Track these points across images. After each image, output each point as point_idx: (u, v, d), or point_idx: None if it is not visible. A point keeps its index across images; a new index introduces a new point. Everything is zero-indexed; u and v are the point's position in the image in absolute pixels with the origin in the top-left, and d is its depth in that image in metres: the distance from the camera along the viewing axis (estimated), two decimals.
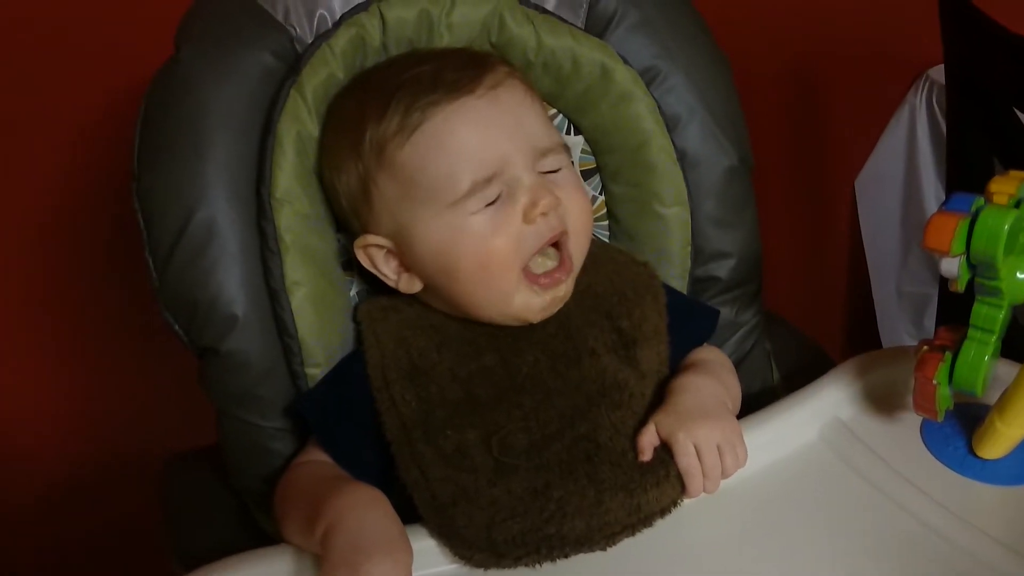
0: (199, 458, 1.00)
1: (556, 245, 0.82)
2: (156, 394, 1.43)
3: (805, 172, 1.89)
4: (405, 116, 0.79)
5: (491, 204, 0.79)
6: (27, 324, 1.37)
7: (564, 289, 0.83)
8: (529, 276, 0.81)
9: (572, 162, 0.94)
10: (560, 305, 0.83)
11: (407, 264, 0.83)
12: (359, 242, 0.84)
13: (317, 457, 0.83)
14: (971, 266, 0.70)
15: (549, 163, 0.82)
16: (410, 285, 0.84)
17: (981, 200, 0.70)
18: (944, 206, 0.70)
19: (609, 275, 0.88)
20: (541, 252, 0.81)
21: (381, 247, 0.83)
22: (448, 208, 0.79)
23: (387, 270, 0.84)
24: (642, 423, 0.79)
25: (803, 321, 1.16)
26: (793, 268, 1.89)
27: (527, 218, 0.79)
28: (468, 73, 0.80)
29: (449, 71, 0.81)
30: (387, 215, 0.82)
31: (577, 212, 0.83)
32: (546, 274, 0.81)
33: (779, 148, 1.80)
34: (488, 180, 0.79)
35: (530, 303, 0.81)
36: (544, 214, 0.79)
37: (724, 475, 0.76)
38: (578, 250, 0.84)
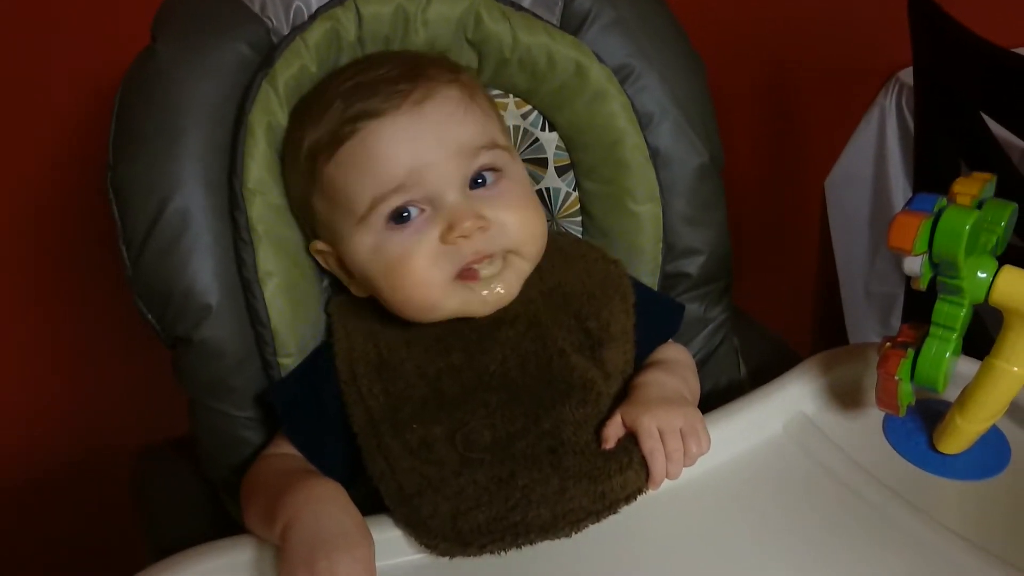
0: (171, 449, 1.00)
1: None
2: (128, 387, 1.41)
3: (776, 172, 1.90)
4: (334, 130, 0.80)
5: (410, 222, 0.79)
6: None
7: (500, 286, 0.81)
8: (461, 274, 0.80)
9: (547, 161, 0.95)
10: (506, 301, 0.82)
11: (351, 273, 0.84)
12: (312, 246, 0.85)
13: (284, 449, 0.83)
14: (933, 265, 0.72)
15: (484, 163, 0.81)
16: (359, 291, 0.85)
17: (944, 200, 0.71)
18: (908, 206, 0.72)
19: (579, 274, 0.88)
20: (482, 264, 0.80)
21: (331, 253, 0.84)
22: (358, 226, 0.80)
23: (340, 273, 0.85)
24: (606, 419, 0.80)
25: (772, 320, 1.17)
26: (762, 267, 1.89)
27: (445, 240, 0.78)
28: (400, 87, 0.80)
29: (385, 84, 0.80)
30: (322, 228, 0.84)
31: (516, 228, 0.81)
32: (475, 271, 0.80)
33: (750, 147, 1.80)
34: (391, 192, 0.78)
35: (470, 301, 0.81)
36: (465, 236, 0.78)
37: (687, 460, 0.76)
38: (526, 263, 0.83)
